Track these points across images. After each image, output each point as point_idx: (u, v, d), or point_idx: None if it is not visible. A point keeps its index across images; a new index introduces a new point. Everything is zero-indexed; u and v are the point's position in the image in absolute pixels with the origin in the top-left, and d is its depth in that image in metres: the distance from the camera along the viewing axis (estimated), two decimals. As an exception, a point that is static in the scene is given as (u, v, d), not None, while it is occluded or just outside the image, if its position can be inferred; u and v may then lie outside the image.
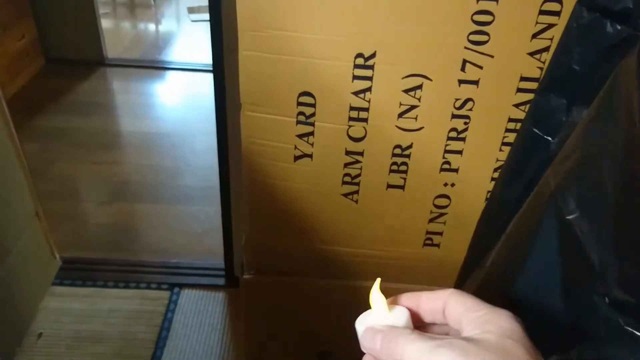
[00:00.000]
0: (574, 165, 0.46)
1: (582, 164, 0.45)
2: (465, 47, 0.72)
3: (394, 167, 0.83)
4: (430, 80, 0.75)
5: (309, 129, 0.80)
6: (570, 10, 0.58)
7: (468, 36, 0.71)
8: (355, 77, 0.75)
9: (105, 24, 2.95)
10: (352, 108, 0.78)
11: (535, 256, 0.47)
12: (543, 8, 0.69)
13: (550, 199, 0.46)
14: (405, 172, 0.83)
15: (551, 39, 0.72)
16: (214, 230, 1.66)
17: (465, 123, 0.79)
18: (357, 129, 0.80)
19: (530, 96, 0.74)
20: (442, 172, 0.84)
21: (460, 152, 0.82)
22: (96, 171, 2.00)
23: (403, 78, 0.75)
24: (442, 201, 0.87)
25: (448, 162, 0.83)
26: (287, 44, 0.73)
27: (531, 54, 0.73)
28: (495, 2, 0.69)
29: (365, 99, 0.77)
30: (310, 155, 0.82)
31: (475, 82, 0.75)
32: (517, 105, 0.77)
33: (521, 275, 0.49)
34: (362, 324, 0.36)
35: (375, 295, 0.36)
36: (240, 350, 1.35)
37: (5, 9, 2.26)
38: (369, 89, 0.76)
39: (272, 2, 0.70)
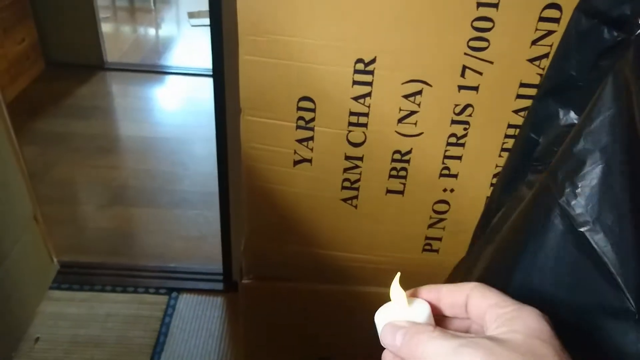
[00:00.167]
0: (576, 172, 0.45)
1: (586, 172, 0.45)
2: (465, 53, 0.73)
3: (394, 173, 0.83)
4: (430, 85, 0.75)
5: (308, 133, 0.80)
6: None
7: (468, 42, 0.72)
8: (355, 83, 0.75)
9: (106, 28, 2.96)
10: (351, 113, 0.78)
11: (542, 269, 0.46)
12: (543, 15, 0.69)
13: (555, 208, 0.46)
14: (405, 177, 0.83)
15: (551, 46, 0.72)
16: (212, 235, 1.66)
17: (465, 129, 0.79)
18: (356, 134, 0.80)
19: (530, 102, 0.74)
20: (441, 178, 0.84)
21: (459, 158, 0.82)
22: (95, 175, 1.99)
23: (403, 83, 0.75)
24: (442, 207, 0.87)
25: (447, 168, 0.83)
26: (287, 49, 0.73)
27: (531, 61, 0.73)
28: (495, 9, 0.69)
29: (365, 104, 0.77)
30: (309, 160, 0.82)
31: (475, 88, 0.75)
32: (516, 111, 0.77)
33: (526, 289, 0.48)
34: (382, 318, 0.34)
35: (395, 288, 0.35)
36: (238, 355, 1.35)
37: (6, 12, 2.27)
38: (368, 94, 0.76)
39: (272, 8, 0.70)
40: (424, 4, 0.69)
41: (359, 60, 0.73)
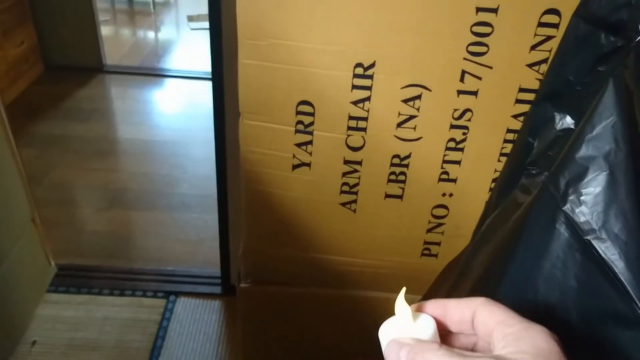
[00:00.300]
0: (580, 179, 0.45)
1: (590, 179, 0.45)
2: (465, 58, 0.73)
3: (393, 177, 0.83)
4: (429, 90, 0.75)
5: (307, 138, 0.80)
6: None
7: (467, 47, 0.72)
8: (354, 87, 0.75)
9: (105, 31, 2.96)
10: (351, 117, 0.78)
11: (548, 277, 0.46)
12: (542, 20, 0.70)
13: (560, 216, 0.45)
14: (404, 182, 0.83)
15: (550, 51, 0.72)
16: (210, 238, 1.65)
17: (464, 133, 0.79)
18: (355, 139, 0.80)
19: (529, 107, 0.74)
20: (440, 182, 0.84)
21: (458, 163, 0.82)
22: (93, 178, 1.99)
23: (402, 88, 0.75)
24: (441, 211, 0.87)
25: (446, 173, 0.83)
26: (287, 53, 0.73)
27: (530, 66, 0.73)
28: (494, 14, 0.69)
29: (364, 108, 0.77)
30: (308, 164, 0.82)
31: (474, 93, 0.75)
32: (515, 116, 0.77)
33: (532, 298, 0.48)
34: (386, 333, 0.33)
35: (401, 304, 0.34)
36: (236, 359, 1.34)
37: (5, 14, 2.27)
38: (368, 99, 0.76)
39: (272, 12, 0.70)
40: (424, 9, 0.69)
41: (358, 65, 0.73)
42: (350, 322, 1.01)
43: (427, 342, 0.31)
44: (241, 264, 0.96)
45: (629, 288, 0.38)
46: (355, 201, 0.86)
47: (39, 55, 2.58)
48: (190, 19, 3.49)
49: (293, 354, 1.09)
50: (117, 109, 2.55)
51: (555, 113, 0.57)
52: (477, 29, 0.70)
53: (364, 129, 0.79)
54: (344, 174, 0.83)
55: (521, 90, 0.75)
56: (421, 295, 0.93)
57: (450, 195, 0.85)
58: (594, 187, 0.43)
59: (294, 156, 0.82)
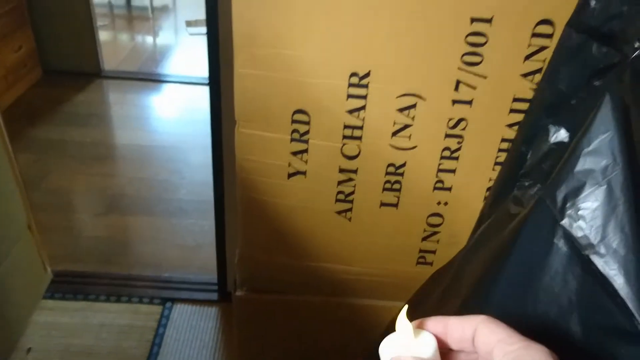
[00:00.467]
0: (577, 194, 0.45)
1: (587, 193, 0.45)
2: (459, 68, 0.73)
3: (388, 186, 0.83)
4: (424, 99, 0.75)
5: (303, 146, 0.80)
6: (563, 33, 0.59)
7: (462, 57, 0.72)
8: (349, 96, 0.75)
9: (103, 36, 2.97)
10: (346, 126, 0.78)
11: (548, 291, 0.46)
12: (536, 31, 0.70)
13: (558, 230, 0.45)
14: (399, 190, 0.84)
15: (544, 61, 0.72)
16: (207, 244, 1.65)
17: (459, 142, 0.79)
18: (351, 147, 0.80)
19: (523, 117, 0.74)
20: (435, 191, 0.84)
21: (453, 171, 0.82)
22: (90, 183, 1.99)
23: (397, 97, 0.75)
24: (436, 220, 0.87)
25: (441, 181, 0.83)
26: (283, 62, 0.73)
27: (524, 76, 0.74)
28: (488, 24, 0.70)
29: (360, 117, 0.77)
30: (304, 173, 0.82)
31: (469, 102, 0.76)
32: (510, 126, 0.78)
33: (528, 313, 0.48)
34: (387, 351, 0.34)
35: (402, 321, 0.34)
36: (232, 366, 1.34)
37: (3, 19, 2.27)
38: (363, 108, 0.76)
39: (267, 21, 0.71)
40: (418, 19, 0.70)
41: (354, 74, 0.74)
42: (346, 329, 1.01)
43: None
44: (237, 272, 0.96)
45: (628, 303, 0.38)
46: (350, 209, 0.86)
47: (37, 60, 2.58)
48: (189, 24, 3.49)
49: (289, 361, 1.09)
50: (114, 114, 2.55)
51: (550, 126, 0.57)
52: (471, 39, 0.71)
53: (359, 138, 0.79)
54: (340, 183, 0.83)
55: (515, 100, 0.75)
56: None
57: (446, 203, 0.85)
58: (591, 201, 0.43)
59: (289, 164, 0.82)
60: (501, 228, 0.57)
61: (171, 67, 3.02)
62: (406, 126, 0.78)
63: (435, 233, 0.88)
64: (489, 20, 0.69)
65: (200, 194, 1.93)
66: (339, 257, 0.91)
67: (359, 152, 0.80)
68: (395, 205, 0.85)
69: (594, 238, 0.42)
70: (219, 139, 1.21)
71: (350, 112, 0.77)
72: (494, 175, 0.81)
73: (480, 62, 0.72)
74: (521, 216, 0.54)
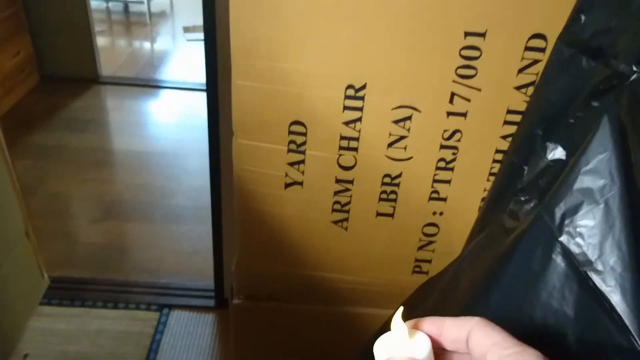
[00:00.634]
0: (575, 211, 0.46)
1: (585, 211, 0.46)
2: (454, 81, 0.74)
3: (384, 196, 0.84)
4: (420, 111, 0.77)
5: (299, 157, 0.81)
6: (556, 47, 0.60)
7: (456, 70, 0.73)
8: (345, 108, 0.76)
9: (101, 41, 2.98)
10: (342, 137, 0.79)
11: (545, 306, 0.47)
12: (529, 44, 0.71)
13: (556, 246, 0.46)
14: (395, 200, 0.85)
15: (537, 74, 0.74)
16: (204, 250, 1.66)
17: (454, 153, 0.80)
18: (347, 158, 0.81)
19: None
20: (430, 201, 0.85)
21: (448, 182, 0.83)
22: (88, 189, 1.99)
23: (393, 109, 0.77)
24: (431, 229, 0.88)
25: (437, 192, 0.84)
26: (280, 74, 0.74)
27: (517, 88, 0.75)
28: (482, 38, 0.71)
29: (356, 129, 0.78)
30: (300, 183, 0.83)
31: (463, 114, 0.77)
32: (504, 137, 0.79)
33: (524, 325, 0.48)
34: (381, 350, 0.34)
35: (397, 322, 0.34)
36: (228, 373, 1.35)
37: (1, 25, 2.28)
38: (359, 119, 0.77)
39: (265, 34, 0.72)
40: (413, 33, 0.71)
41: (350, 86, 0.75)
42: (342, 338, 1.01)
43: None
44: (234, 280, 0.97)
45: (625, 319, 0.39)
46: (347, 219, 0.87)
47: (35, 66, 2.59)
48: (186, 30, 3.51)
49: (285, 369, 1.10)
50: (112, 120, 2.55)
51: (548, 143, 0.58)
52: (465, 52, 0.72)
53: (355, 149, 0.80)
54: (336, 193, 0.84)
55: (509, 112, 0.77)
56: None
57: (441, 213, 0.86)
58: (589, 219, 0.44)
59: (286, 175, 0.83)
60: (496, 241, 0.57)
61: (169, 72, 3.03)
62: (402, 137, 0.79)
63: (430, 242, 0.89)
64: (482, 35, 0.71)
65: (198, 200, 1.93)
66: (335, 266, 0.92)
67: (355, 163, 0.81)
68: (391, 215, 0.86)
69: (592, 255, 0.43)
70: (217, 145, 1.22)
71: (347, 123, 0.78)
72: (489, 185, 0.83)
73: (475, 75, 0.74)
74: (519, 230, 0.55)
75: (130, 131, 2.42)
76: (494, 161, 0.81)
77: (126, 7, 3.77)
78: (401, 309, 0.35)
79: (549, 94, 0.60)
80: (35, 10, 2.48)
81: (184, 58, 3.24)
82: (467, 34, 0.71)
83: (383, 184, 0.83)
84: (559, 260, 0.45)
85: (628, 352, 0.38)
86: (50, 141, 2.23)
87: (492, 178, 0.82)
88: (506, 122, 0.77)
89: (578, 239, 0.44)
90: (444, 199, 0.84)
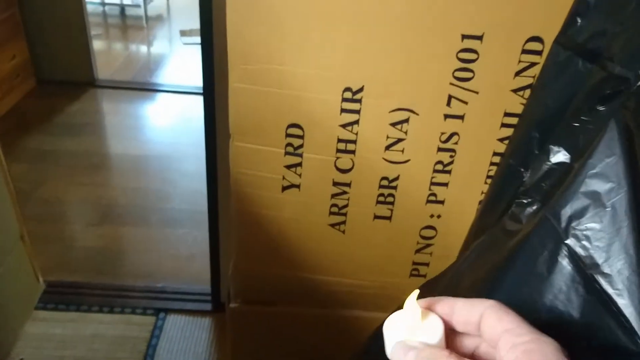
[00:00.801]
0: (582, 214, 0.46)
1: (593, 214, 0.45)
2: (451, 83, 0.74)
3: (381, 199, 0.84)
4: (417, 114, 0.77)
5: (297, 160, 0.81)
6: (552, 50, 0.60)
7: (453, 73, 0.73)
8: (343, 111, 0.76)
9: (97, 45, 2.97)
10: (339, 140, 0.79)
11: (551, 309, 0.47)
12: (525, 47, 0.71)
13: (562, 249, 0.46)
14: (392, 203, 0.84)
15: (534, 77, 0.74)
16: (201, 254, 1.65)
17: (451, 156, 0.80)
18: (344, 161, 0.81)
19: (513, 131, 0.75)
20: (428, 204, 0.85)
21: (446, 185, 0.83)
22: (84, 193, 1.98)
23: (390, 112, 0.77)
24: (429, 232, 0.88)
25: (434, 194, 0.84)
26: (277, 77, 0.74)
27: (514, 91, 0.75)
28: (479, 41, 0.71)
29: (353, 131, 0.78)
30: (298, 186, 0.83)
31: (461, 117, 0.77)
32: (501, 140, 0.79)
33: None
34: (392, 332, 0.32)
35: (412, 303, 0.33)
36: (225, 378, 1.34)
37: (-3, 29, 2.28)
38: (356, 122, 0.77)
39: (262, 37, 0.72)
40: (411, 36, 0.71)
41: (347, 89, 0.75)
42: (339, 341, 1.01)
43: (435, 347, 0.30)
44: (231, 284, 0.97)
45: (632, 322, 0.39)
46: (344, 222, 0.87)
47: (31, 70, 2.58)
48: (183, 33, 3.50)
49: (282, 373, 1.09)
50: (108, 124, 2.54)
51: (550, 146, 0.58)
52: (462, 55, 0.72)
53: (352, 152, 0.80)
54: (333, 196, 0.84)
55: (506, 114, 0.77)
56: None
57: (439, 216, 0.86)
58: (596, 222, 0.43)
59: (283, 178, 0.83)
60: (497, 244, 0.57)
61: (165, 76, 3.02)
62: (399, 140, 0.79)
63: (428, 245, 0.89)
64: (479, 37, 0.71)
65: (194, 204, 1.93)
66: (332, 269, 0.92)
67: (353, 166, 0.81)
68: (389, 218, 0.86)
69: (599, 258, 0.43)
70: (213, 148, 1.22)
71: (344, 126, 0.78)
72: (486, 188, 0.82)
73: (472, 77, 0.74)
74: (523, 233, 0.55)
75: (126, 135, 2.41)
76: (492, 164, 0.81)
77: (123, 10, 3.77)
78: (416, 292, 0.33)
79: (546, 96, 0.61)
80: (31, 13, 2.48)
81: (180, 61, 3.23)
82: (464, 36, 0.71)
83: (380, 186, 0.83)
84: (565, 262, 0.45)
85: (635, 355, 0.38)
86: (47, 145, 2.22)
87: (489, 181, 0.82)
88: (503, 125, 0.78)
89: (584, 242, 0.44)
90: (442, 202, 0.84)
